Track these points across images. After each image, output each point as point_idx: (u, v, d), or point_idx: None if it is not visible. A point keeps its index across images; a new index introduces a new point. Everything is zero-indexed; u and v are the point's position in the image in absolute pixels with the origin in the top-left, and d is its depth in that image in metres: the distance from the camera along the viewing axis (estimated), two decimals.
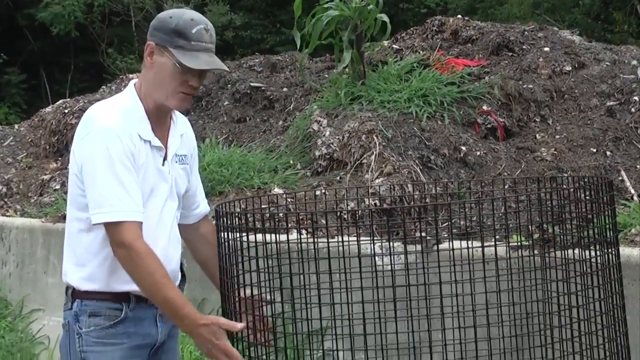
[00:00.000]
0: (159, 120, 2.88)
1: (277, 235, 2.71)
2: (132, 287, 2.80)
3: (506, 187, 4.69)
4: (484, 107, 6.45)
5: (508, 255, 2.69)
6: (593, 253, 2.74)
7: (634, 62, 6.95)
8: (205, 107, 8.09)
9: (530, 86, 6.67)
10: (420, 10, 17.91)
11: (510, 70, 6.96)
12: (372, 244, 2.77)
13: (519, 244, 3.03)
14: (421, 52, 7.39)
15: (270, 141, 7.02)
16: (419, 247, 3.14)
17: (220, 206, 2.83)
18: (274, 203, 4.47)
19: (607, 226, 2.78)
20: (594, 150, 6.04)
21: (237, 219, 2.76)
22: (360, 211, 5.28)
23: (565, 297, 2.73)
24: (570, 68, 6.95)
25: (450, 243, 2.86)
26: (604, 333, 2.73)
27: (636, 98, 6.41)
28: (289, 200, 5.54)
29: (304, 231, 4.13)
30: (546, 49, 7.24)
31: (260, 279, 2.75)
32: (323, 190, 5.50)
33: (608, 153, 6.00)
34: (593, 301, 2.71)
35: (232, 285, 2.77)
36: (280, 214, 3.47)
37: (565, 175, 5.41)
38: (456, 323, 2.73)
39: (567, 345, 2.70)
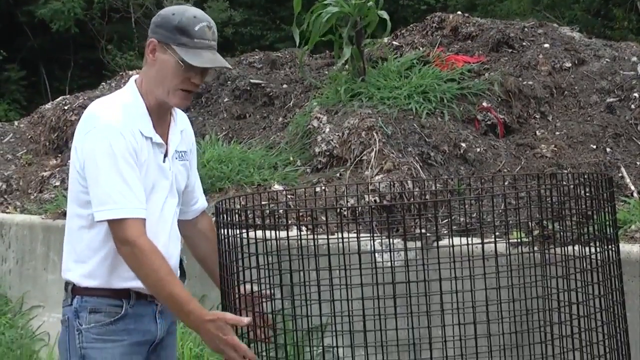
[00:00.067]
0: (160, 117, 2.88)
1: (277, 232, 2.72)
2: (132, 284, 2.80)
3: (506, 183, 4.69)
4: (484, 104, 6.45)
5: (508, 251, 2.69)
6: (593, 250, 2.74)
7: (634, 59, 6.94)
8: (205, 104, 8.09)
9: (530, 83, 6.67)
10: (420, 7, 17.90)
11: (510, 67, 6.96)
12: (372, 241, 2.77)
13: (519, 240, 3.03)
14: (421, 48, 7.39)
15: (270, 138, 7.02)
16: (418, 244, 3.14)
17: (220, 203, 2.83)
18: (274, 200, 4.47)
19: (607, 223, 2.78)
20: (594, 146, 6.04)
21: (237, 215, 2.76)
22: (360, 208, 5.28)
23: (565, 294, 2.73)
24: (570, 64, 6.94)
25: (450, 240, 2.86)
26: (603, 329, 2.73)
27: (636, 94, 6.41)
28: (288, 196, 5.53)
29: (303, 228, 4.13)
30: (546, 45, 7.24)
31: (260, 276, 2.76)
32: (323, 187, 5.50)
33: (608, 149, 6.00)
34: (593, 298, 2.71)
35: (232, 282, 2.77)
36: (280, 211, 3.47)
37: (565, 171, 5.40)
38: (456, 319, 2.73)
39: (567, 341, 2.70)
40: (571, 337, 2.69)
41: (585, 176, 3.00)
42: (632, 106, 6.36)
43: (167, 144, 2.89)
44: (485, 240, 2.61)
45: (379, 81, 6.70)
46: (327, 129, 6.29)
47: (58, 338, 2.94)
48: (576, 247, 2.75)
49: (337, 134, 6.18)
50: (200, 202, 3.15)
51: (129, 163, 2.72)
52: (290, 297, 2.73)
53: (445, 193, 4.50)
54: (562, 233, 2.87)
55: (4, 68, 17.78)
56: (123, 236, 2.69)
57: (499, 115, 6.41)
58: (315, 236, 2.68)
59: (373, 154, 5.81)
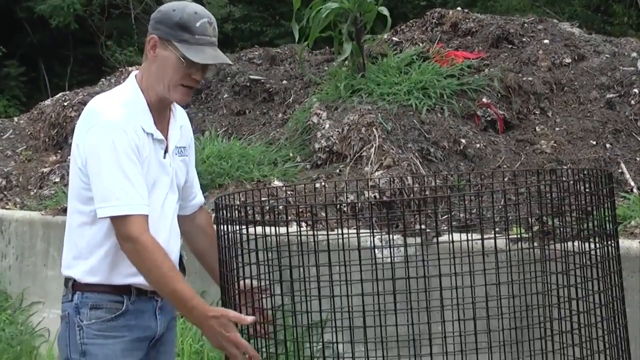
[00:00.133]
0: (160, 112, 2.88)
1: (277, 228, 2.72)
2: (133, 280, 2.81)
3: (506, 179, 4.69)
4: (484, 100, 6.45)
5: (508, 247, 2.69)
6: (592, 245, 2.74)
7: (634, 55, 6.94)
8: (205, 100, 8.09)
9: (530, 78, 6.67)
10: (420, 2, 17.87)
11: (509, 63, 6.95)
12: (371, 237, 2.77)
13: (519, 236, 3.03)
14: (421, 44, 7.38)
15: (270, 134, 7.02)
16: (418, 240, 3.14)
17: (220, 199, 2.83)
18: (274, 196, 4.46)
19: (607, 218, 2.78)
20: (594, 142, 6.04)
21: (236, 211, 2.76)
22: (359, 204, 5.28)
23: (564, 290, 2.73)
24: (569, 60, 6.94)
25: (450, 235, 2.86)
26: (603, 325, 2.73)
27: (636, 90, 6.41)
28: (288, 192, 5.54)
29: (303, 224, 4.13)
30: (546, 41, 7.23)
31: (260, 272, 2.76)
32: (323, 183, 5.50)
33: (608, 145, 6.00)
34: (592, 293, 2.71)
35: (231, 278, 2.77)
36: (280, 207, 3.47)
37: (565, 167, 5.41)
38: (456, 315, 2.74)
39: (567, 337, 2.71)
40: (571, 333, 2.69)
41: (585, 172, 3.00)
42: (632, 102, 6.36)
43: (167, 139, 2.90)
44: (485, 236, 2.61)
45: (378, 77, 6.69)
46: (327, 125, 6.28)
47: (58, 334, 2.94)
48: (576, 243, 2.76)
49: (336, 130, 6.18)
50: (199, 197, 3.15)
51: (132, 159, 2.72)
52: (290, 293, 2.73)
53: (445, 189, 4.50)
54: (561, 229, 2.87)
55: (4, 64, 17.75)
56: (126, 233, 2.69)
57: (499, 111, 6.40)
58: (315, 232, 2.69)
59: (373, 150, 5.81)
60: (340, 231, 2.78)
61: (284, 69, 8.24)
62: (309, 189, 4.78)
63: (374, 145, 5.83)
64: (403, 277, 2.73)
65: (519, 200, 2.90)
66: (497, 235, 2.64)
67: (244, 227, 2.75)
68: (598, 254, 2.74)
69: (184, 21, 2.77)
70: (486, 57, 7.09)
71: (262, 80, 7.92)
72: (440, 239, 2.86)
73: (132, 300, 2.84)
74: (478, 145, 6.03)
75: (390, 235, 2.75)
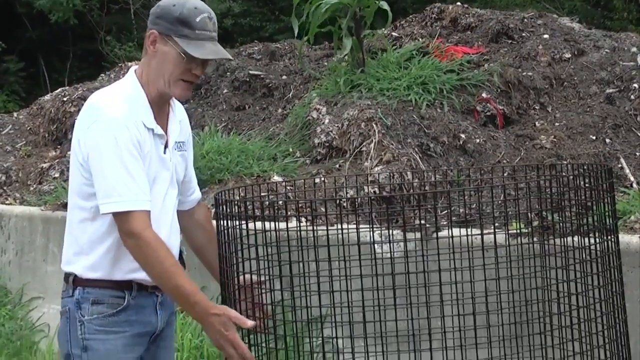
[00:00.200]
0: (160, 108, 2.88)
1: (277, 223, 2.72)
2: (134, 275, 2.81)
3: (505, 174, 4.69)
4: (483, 95, 6.45)
5: (507, 242, 2.69)
6: (592, 240, 2.74)
7: (634, 49, 6.93)
8: (205, 95, 8.08)
9: (530, 74, 6.66)
10: None
11: (509, 58, 6.95)
12: (371, 232, 2.77)
13: (518, 231, 3.03)
14: (420, 39, 7.38)
15: (270, 129, 7.02)
16: (418, 235, 3.14)
17: (220, 194, 2.83)
18: (273, 191, 4.46)
19: (607, 213, 2.78)
20: (594, 137, 6.04)
21: (236, 207, 2.76)
22: (359, 199, 5.28)
23: (564, 285, 2.73)
24: (569, 55, 6.94)
25: (450, 231, 2.86)
26: (603, 320, 2.73)
27: (636, 85, 6.40)
28: (288, 188, 5.53)
29: (303, 219, 4.13)
30: (545, 36, 7.23)
31: (259, 267, 2.76)
32: (322, 178, 5.50)
33: (607, 140, 5.99)
34: (592, 288, 2.71)
35: (231, 273, 2.77)
36: (280, 202, 3.47)
37: (565, 162, 5.40)
38: (455, 310, 2.74)
39: (567, 332, 2.71)
40: (570, 328, 2.69)
41: (585, 167, 3.00)
42: (632, 97, 6.36)
43: (167, 134, 2.89)
44: (485, 231, 2.61)
45: (378, 72, 6.69)
46: (327, 120, 6.28)
47: (58, 329, 2.94)
48: (575, 238, 2.76)
49: (336, 125, 6.18)
50: (197, 192, 3.15)
51: (134, 155, 2.72)
52: (290, 288, 2.73)
53: (445, 184, 4.51)
54: (561, 224, 2.87)
55: (3, 59, 17.73)
56: (129, 229, 2.69)
57: (499, 106, 6.40)
58: (315, 227, 2.68)
59: (372, 145, 5.81)
60: (339, 226, 2.78)
61: (284, 64, 8.23)
62: (309, 184, 4.78)
63: (374, 141, 5.83)
64: (402, 272, 2.73)
65: (518, 195, 2.90)
66: (496, 230, 2.64)
67: (243, 222, 2.74)
68: (598, 249, 2.74)
69: (184, 16, 2.77)
70: (486, 52, 7.08)
71: (262, 76, 7.91)
72: (440, 234, 2.86)
73: (133, 295, 2.84)
74: (478, 141, 6.03)
75: (390, 231, 2.75)
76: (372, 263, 2.75)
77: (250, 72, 7.97)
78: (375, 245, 2.75)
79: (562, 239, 2.79)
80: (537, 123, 6.32)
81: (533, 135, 6.15)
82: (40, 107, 8.86)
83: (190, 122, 3.16)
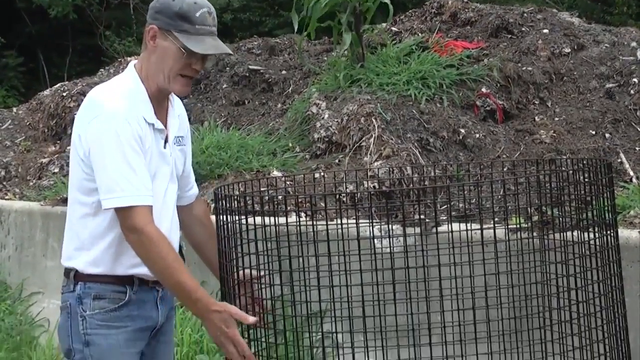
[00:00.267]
0: (160, 102, 2.88)
1: (276, 218, 2.72)
2: (136, 270, 2.81)
3: (505, 169, 4.69)
4: (483, 90, 6.44)
5: (507, 237, 2.69)
6: (592, 235, 2.74)
7: (634, 44, 6.93)
8: (204, 90, 8.08)
9: (529, 68, 6.66)
10: None
11: (509, 53, 6.95)
12: (371, 227, 2.77)
13: (518, 226, 3.03)
14: (420, 34, 7.37)
15: (269, 124, 7.02)
16: (417, 230, 3.14)
17: (219, 189, 2.83)
18: (273, 186, 4.47)
19: (606, 208, 2.78)
20: (593, 132, 6.04)
21: (236, 201, 2.76)
22: (359, 194, 5.28)
23: (564, 279, 2.73)
24: (569, 50, 6.93)
25: (449, 225, 2.86)
26: (602, 315, 2.73)
27: (635, 80, 6.40)
28: (288, 183, 5.54)
29: (302, 214, 4.13)
30: (545, 31, 7.22)
31: (259, 262, 2.76)
32: (322, 173, 5.50)
33: (607, 135, 5.99)
34: (592, 283, 2.72)
35: (231, 268, 2.77)
36: (279, 197, 3.47)
37: (564, 157, 5.40)
38: (455, 305, 2.74)
39: (566, 326, 2.71)
40: (570, 322, 2.69)
41: (584, 162, 3.00)
42: (632, 92, 6.36)
43: (167, 129, 2.89)
44: (485, 226, 2.61)
45: (378, 67, 6.68)
46: (326, 115, 6.28)
47: (58, 324, 2.95)
48: (575, 233, 2.76)
49: (336, 120, 6.18)
50: (195, 187, 3.16)
51: (135, 150, 2.72)
52: (289, 283, 2.73)
53: (444, 179, 4.50)
54: (561, 219, 2.87)
55: (2, 54, 17.70)
56: (131, 224, 2.68)
57: (498, 101, 6.40)
58: (315, 222, 2.68)
59: (372, 140, 5.81)
60: (339, 221, 2.78)
61: (283, 59, 8.23)
62: (308, 179, 4.77)
63: (373, 136, 5.83)
64: (402, 267, 2.73)
65: (518, 190, 2.90)
66: (496, 225, 2.65)
67: (243, 217, 2.74)
68: (597, 243, 2.74)
69: (183, 11, 2.77)
70: (485, 47, 7.08)
71: (261, 71, 7.91)
72: (440, 229, 2.86)
73: (134, 290, 2.85)
74: (477, 135, 6.03)
75: (390, 225, 2.75)
76: (372, 258, 2.75)
77: (250, 67, 7.96)
78: (375, 240, 2.75)
79: (562, 234, 2.79)
80: (536, 118, 6.32)
81: (533, 130, 6.15)
82: (39, 102, 8.86)
83: (190, 117, 3.16)
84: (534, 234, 2.94)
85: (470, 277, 2.58)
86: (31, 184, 7.43)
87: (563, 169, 3.12)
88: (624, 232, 4.10)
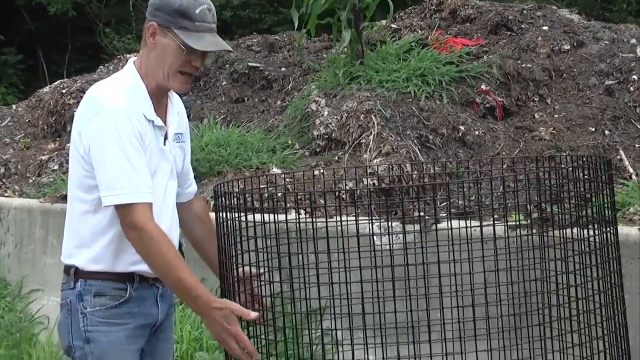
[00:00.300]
0: (159, 99, 2.88)
1: (276, 216, 2.72)
2: (136, 268, 2.81)
3: (505, 166, 4.69)
4: (483, 87, 6.44)
5: (507, 234, 2.69)
6: (592, 232, 2.74)
7: (634, 41, 6.93)
8: (204, 88, 8.08)
9: (529, 66, 6.66)
10: None
11: (509, 50, 6.94)
12: (370, 224, 2.77)
13: (518, 223, 3.03)
14: (420, 31, 7.37)
15: (269, 121, 7.02)
16: (417, 227, 3.14)
17: (219, 186, 2.83)
18: (273, 183, 4.46)
19: (606, 205, 2.78)
20: (593, 129, 6.04)
21: (235, 199, 2.76)
22: (359, 191, 5.28)
23: (563, 276, 2.74)
24: (569, 47, 6.93)
25: (449, 223, 2.86)
26: (602, 312, 2.73)
27: (635, 77, 6.40)
28: (287, 180, 5.53)
29: (302, 211, 4.13)
30: (545, 28, 7.22)
31: (259, 259, 2.76)
32: (322, 171, 5.50)
33: (607, 132, 5.99)
34: (591, 280, 2.72)
35: (231, 266, 2.77)
36: (279, 194, 3.47)
37: (564, 154, 5.40)
38: (455, 302, 2.74)
39: (566, 324, 2.71)
40: (569, 320, 2.70)
41: (584, 159, 2.99)
42: (632, 89, 6.35)
43: (166, 126, 2.89)
44: (484, 224, 2.61)
45: (377, 64, 6.68)
46: (326, 113, 6.28)
47: (58, 321, 2.95)
48: (575, 230, 2.76)
49: (335, 117, 6.18)
50: (194, 185, 3.15)
51: (136, 147, 2.72)
52: (289, 280, 2.73)
53: (444, 176, 4.51)
54: (560, 216, 2.87)
55: (2, 52, 17.69)
56: (131, 221, 2.68)
57: (498, 99, 6.40)
58: (314, 219, 2.69)
59: (372, 137, 5.81)
60: (339, 219, 2.78)
61: (283, 57, 8.23)
62: (308, 176, 4.78)
63: (373, 133, 5.83)
64: (402, 264, 2.73)
65: (518, 187, 2.90)
66: (496, 222, 2.64)
67: (243, 214, 2.74)
68: (597, 241, 2.74)
69: (183, 8, 2.76)
70: (485, 44, 7.08)
71: (261, 68, 7.90)
72: (439, 226, 2.86)
73: (135, 287, 2.85)
74: (477, 133, 6.03)
75: (389, 223, 2.75)
76: (372, 255, 2.75)
77: (250, 64, 7.96)
78: (375, 237, 2.75)
79: (562, 231, 2.79)
80: (536, 115, 6.32)
81: (532, 127, 6.15)
82: (39, 100, 8.86)
83: (190, 115, 3.16)
84: (534, 231, 2.94)
85: (470, 275, 2.59)
86: (31, 181, 7.43)
87: (563, 166, 3.12)
88: (623, 230, 4.10)
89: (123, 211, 2.70)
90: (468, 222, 2.83)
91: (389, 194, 5.20)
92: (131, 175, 2.68)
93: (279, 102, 7.43)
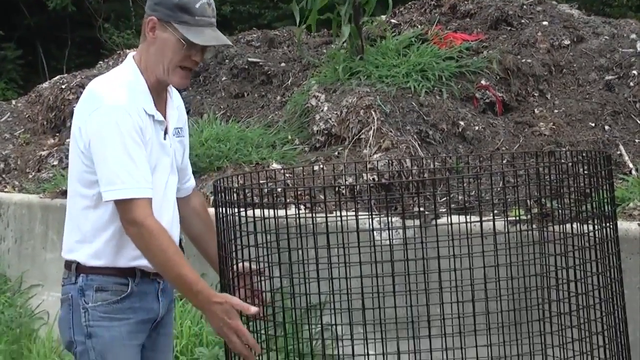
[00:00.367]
0: (159, 94, 2.87)
1: (276, 211, 2.71)
2: (137, 262, 2.81)
3: (504, 161, 4.69)
4: (483, 82, 6.44)
5: (506, 229, 2.69)
6: (591, 227, 2.74)
7: (633, 36, 6.92)
8: (203, 83, 8.07)
9: (529, 60, 6.65)
10: None
11: (508, 45, 6.94)
12: (370, 219, 2.77)
13: (517, 218, 3.03)
14: (419, 26, 7.36)
15: (268, 116, 7.02)
16: (417, 222, 3.14)
17: (219, 181, 2.83)
18: (272, 178, 4.46)
19: (605, 200, 2.78)
20: (593, 124, 6.04)
21: (235, 194, 2.76)
22: (358, 186, 5.28)
23: (563, 271, 2.74)
24: (568, 42, 6.92)
25: (449, 218, 2.87)
26: (601, 307, 2.74)
27: (635, 72, 6.40)
28: (287, 175, 5.54)
29: (302, 206, 4.13)
30: (545, 23, 7.21)
31: (258, 254, 2.76)
32: (321, 166, 5.50)
33: (606, 127, 5.99)
34: (591, 275, 2.72)
35: (230, 261, 2.77)
36: (279, 189, 3.47)
37: (564, 149, 5.40)
38: (454, 297, 2.74)
39: (565, 319, 2.71)
40: (569, 314, 2.70)
41: (584, 154, 2.99)
42: (631, 84, 6.35)
43: (166, 121, 2.89)
44: (484, 218, 2.61)
45: (377, 59, 6.68)
46: (326, 108, 6.28)
47: (58, 316, 2.95)
48: (574, 225, 2.76)
49: (335, 112, 6.17)
50: (192, 179, 3.15)
51: (136, 142, 2.71)
52: (289, 275, 2.73)
53: (444, 171, 4.50)
54: (560, 211, 2.87)
55: (1, 47, 17.68)
56: (131, 217, 2.68)
57: (498, 94, 6.40)
58: (314, 214, 2.68)
59: (371, 132, 5.81)
60: (338, 214, 2.78)
61: (283, 52, 8.22)
62: (308, 171, 4.78)
63: (373, 128, 5.83)
64: (402, 259, 2.73)
65: (517, 182, 2.90)
66: (495, 217, 2.64)
67: (242, 209, 2.74)
68: (596, 235, 2.74)
69: (183, 2, 2.76)
70: (485, 39, 7.07)
71: (261, 63, 7.90)
72: (439, 221, 2.86)
73: (136, 282, 2.85)
74: (477, 128, 6.03)
75: (389, 218, 2.75)
76: (371, 250, 2.75)
77: (249, 59, 7.96)
78: (374, 232, 2.75)
79: (561, 226, 2.79)
80: (536, 110, 6.32)
81: (532, 122, 6.15)
82: (38, 95, 8.85)
83: (189, 110, 3.16)
84: (533, 226, 2.94)
85: (469, 270, 2.59)
86: (30, 176, 7.43)
87: (562, 161, 3.12)
88: (623, 224, 4.10)
89: (123, 206, 2.70)
90: (468, 217, 2.83)
91: (389, 189, 5.20)
92: (131, 170, 2.68)
93: (278, 97, 7.43)
